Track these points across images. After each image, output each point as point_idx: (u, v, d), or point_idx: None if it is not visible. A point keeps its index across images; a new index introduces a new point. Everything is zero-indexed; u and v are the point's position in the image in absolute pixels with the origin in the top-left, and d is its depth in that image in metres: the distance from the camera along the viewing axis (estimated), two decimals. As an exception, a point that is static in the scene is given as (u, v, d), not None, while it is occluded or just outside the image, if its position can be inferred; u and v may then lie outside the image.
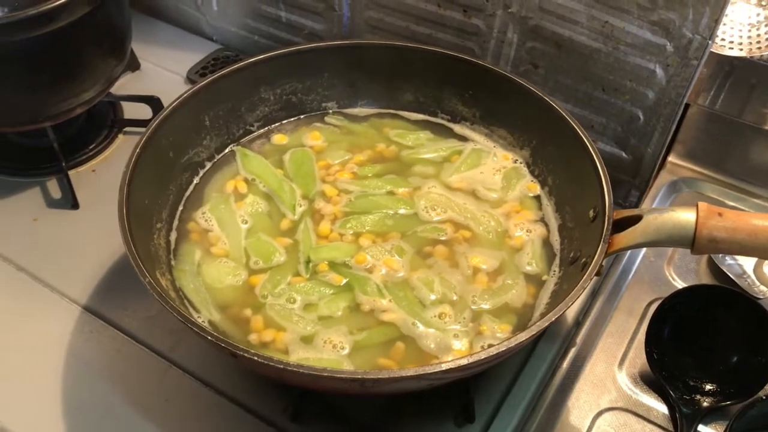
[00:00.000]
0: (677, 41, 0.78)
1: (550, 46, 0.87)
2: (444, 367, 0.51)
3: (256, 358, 0.52)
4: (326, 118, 0.84)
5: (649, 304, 0.82)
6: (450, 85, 0.83)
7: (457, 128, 0.84)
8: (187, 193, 0.75)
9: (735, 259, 0.86)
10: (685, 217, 0.60)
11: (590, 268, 0.59)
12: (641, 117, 0.85)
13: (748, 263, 0.85)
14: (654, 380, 0.74)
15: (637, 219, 0.62)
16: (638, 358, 0.76)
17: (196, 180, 0.77)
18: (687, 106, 0.99)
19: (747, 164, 0.99)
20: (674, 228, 0.60)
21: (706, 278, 0.86)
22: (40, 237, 0.83)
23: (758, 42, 0.88)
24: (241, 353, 0.53)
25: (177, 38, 1.11)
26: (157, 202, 0.71)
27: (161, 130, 0.70)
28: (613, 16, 0.80)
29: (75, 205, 0.86)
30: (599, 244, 0.61)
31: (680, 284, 0.85)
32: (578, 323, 0.79)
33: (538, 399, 0.71)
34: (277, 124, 0.83)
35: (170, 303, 0.55)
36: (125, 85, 1.02)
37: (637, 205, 0.92)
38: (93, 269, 0.79)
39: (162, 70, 1.05)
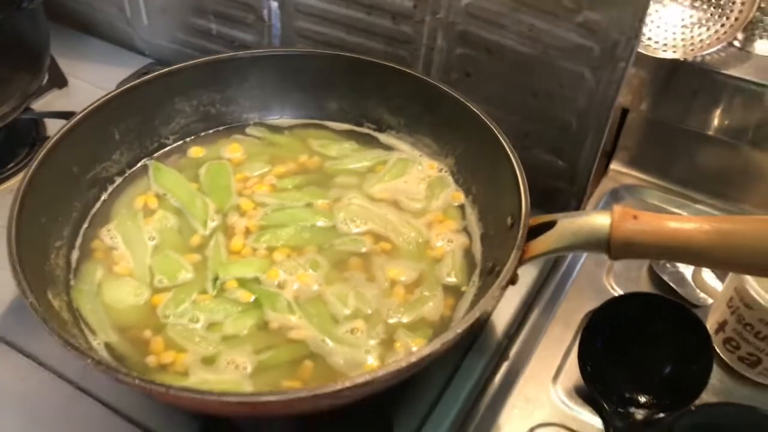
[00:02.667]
0: (603, 43, 0.76)
1: (480, 52, 0.84)
2: (333, 388, 0.47)
3: (137, 381, 0.48)
4: (247, 130, 0.81)
5: (587, 315, 0.79)
6: (375, 93, 0.80)
7: (383, 137, 0.81)
8: (94, 209, 0.72)
9: (675, 267, 0.83)
10: (599, 221, 0.57)
11: (501, 276, 0.57)
12: (574, 123, 0.83)
13: (687, 271, 0.83)
14: (588, 394, 0.71)
15: (552, 225, 0.59)
16: (573, 371, 0.73)
17: (104, 196, 0.73)
18: (626, 111, 0.97)
19: (691, 170, 0.98)
20: (589, 232, 0.57)
21: (646, 286, 0.84)
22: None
23: (692, 44, 0.86)
24: (123, 377, 0.49)
25: (107, 54, 1.08)
26: (57, 220, 0.67)
27: (62, 146, 0.67)
28: (538, 19, 0.78)
29: (-12, 226, 0.82)
30: (512, 250, 0.59)
31: (619, 293, 0.82)
32: (510, 336, 0.76)
33: (466, 417, 0.68)
34: (194, 137, 0.80)
35: (49, 324, 0.51)
36: (51, 102, 0.99)
37: (576, 213, 0.89)
38: (3, 293, 0.75)
39: (90, 86, 1.02)
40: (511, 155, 0.67)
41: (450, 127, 0.76)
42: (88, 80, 1.03)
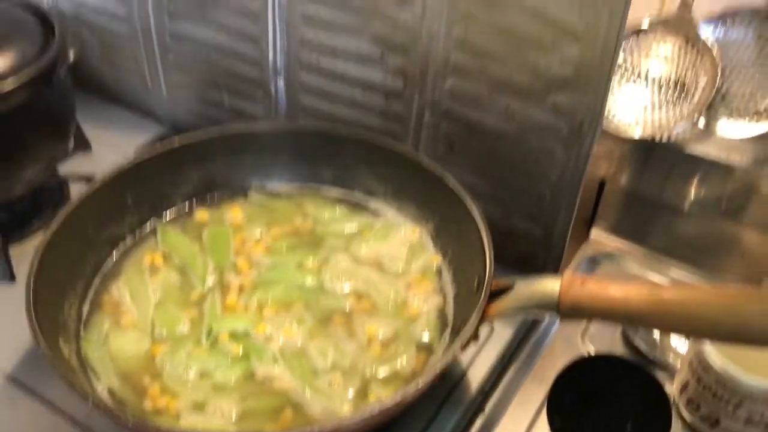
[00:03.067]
0: (571, 123, 0.83)
1: (462, 129, 0.92)
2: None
3: (132, 422, 0.55)
4: (249, 195, 0.89)
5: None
6: (365, 163, 0.88)
7: (371, 203, 0.89)
8: (105, 267, 0.80)
9: (646, 330, 0.88)
10: (551, 285, 0.63)
11: (462, 333, 0.63)
12: (548, 194, 0.90)
13: (657, 334, 0.88)
14: (557, 449, 0.75)
15: (510, 287, 0.66)
16: (545, 426, 0.78)
17: (115, 254, 0.81)
18: (603, 183, 1.04)
19: (667, 239, 1.03)
20: (541, 295, 0.63)
21: (619, 348, 0.89)
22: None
23: (659, 123, 0.94)
24: (119, 418, 0.56)
25: (129, 121, 1.17)
26: (73, 276, 0.75)
27: (80, 209, 0.75)
28: (513, 100, 0.86)
29: (11, 278, 0.90)
30: (474, 311, 0.65)
31: (591, 350, 0.87)
32: (486, 391, 0.81)
33: (441, 468, 0.73)
34: (200, 200, 0.88)
35: (58, 369, 0.59)
36: (75, 165, 1.08)
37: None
38: (21, 340, 0.83)
39: (112, 151, 1.11)
40: (479, 223, 0.73)
41: (430, 195, 0.83)
42: (111, 145, 1.12)
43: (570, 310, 0.62)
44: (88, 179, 1.01)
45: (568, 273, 0.63)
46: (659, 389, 0.74)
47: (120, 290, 0.77)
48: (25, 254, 0.93)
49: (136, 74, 1.15)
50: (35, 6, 0.94)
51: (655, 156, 1.00)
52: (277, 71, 1.02)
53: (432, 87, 0.91)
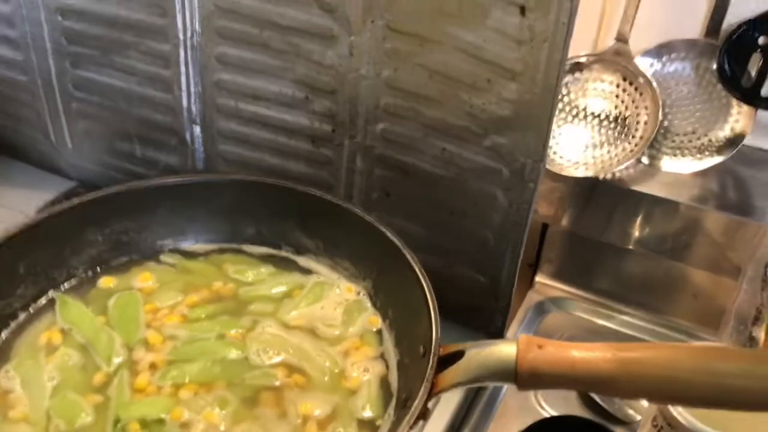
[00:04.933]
0: (512, 165, 0.77)
1: (397, 174, 0.86)
2: None
3: None
4: (161, 257, 0.80)
5: (518, 435, 0.77)
6: (292, 216, 0.80)
7: (302, 260, 0.80)
8: (-7, 350, 0.69)
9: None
10: (506, 351, 0.56)
11: (410, 413, 0.55)
12: (491, 239, 0.84)
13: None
14: None
15: (460, 355, 0.58)
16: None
17: (4, 334, 0.70)
18: (546, 226, 0.99)
19: (614, 281, 0.99)
20: (496, 363, 0.56)
21: (575, 404, 0.83)
22: None
23: (602, 162, 0.89)
24: None
25: (31, 177, 1.07)
26: (-51, 363, 0.64)
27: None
28: (450, 143, 0.80)
29: None
30: (422, 384, 0.57)
31: (549, 413, 0.81)
32: (436, 465, 0.73)
33: None
34: (104, 266, 0.78)
35: None
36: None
37: (502, 330, 0.89)
38: None
39: (8, 210, 1.00)
40: (422, 278, 0.66)
41: (367, 250, 0.75)
42: (10, 205, 1.01)
43: (529, 379, 0.55)
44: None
45: (523, 337, 0.56)
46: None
47: (10, 377, 0.66)
48: None
49: (36, 126, 1.05)
50: None
51: (598, 195, 0.96)
52: (192, 117, 0.93)
53: (363, 131, 0.84)
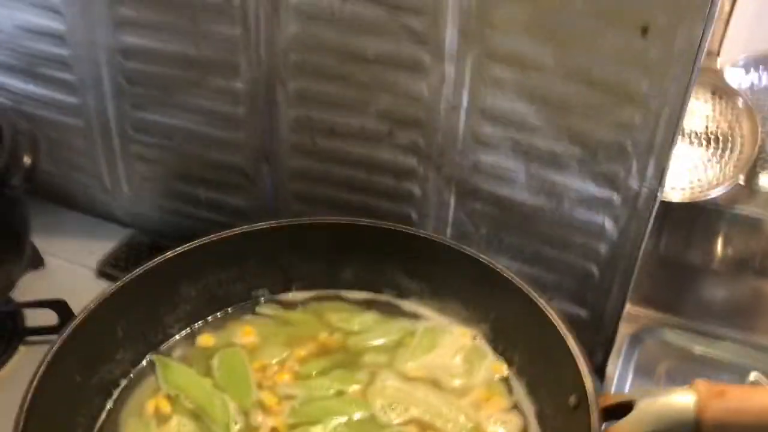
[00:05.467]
0: (624, 193, 0.74)
1: (490, 206, 0.82)
2: None
3: None
4: (257, 309, 0.75)
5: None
6: (392, 258, 0.75)
7: (406, 305, 0.76)
8: (99, 422, 0.63)
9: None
10: (683, 400, 0.52)
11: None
12: (596, 272, 0.80)
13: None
14: None
15: (628, 406, 0.54)
16: None
17: (108, 404, 0.65)
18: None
19: (702, 305, 0.96)
20: (674, 415, 0.52)
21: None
22: None
23: (700, 185, 0.86)
24: None
25: (86, 227, 1.01)
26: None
27: (64, 352, 0.59)
28: (553, 172, 0.76)
29: (-36, 443, 0.72)
30: (591, 440, 0.53)
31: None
32: None
33: None
34: (200, 323, 0.73)
35: None
36: (27, 286, 0.90)
37: (603, 364, 0.85)
38: None
39: (69, 264, 0.95)
40: (556, 321, 0.62)
41: (480, 291, 0.71)
42: (66, 257, 0.96)
43: (712, 431, 0.50)
44: (49, 304, 0.84)
45: (702, 384, 0.52)
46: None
47: (123, 452, 0.61)
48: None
49: (90, 172, 1.00)
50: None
51: (676, 217, 0.93)
52: (264, 156, 0.89)
53: (452, 163, 0.80)
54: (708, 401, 0.51)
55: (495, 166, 0.78)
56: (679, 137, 0.69)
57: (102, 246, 0.98)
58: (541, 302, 0.64)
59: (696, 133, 0.87)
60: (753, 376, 0.50)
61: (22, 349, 0.83)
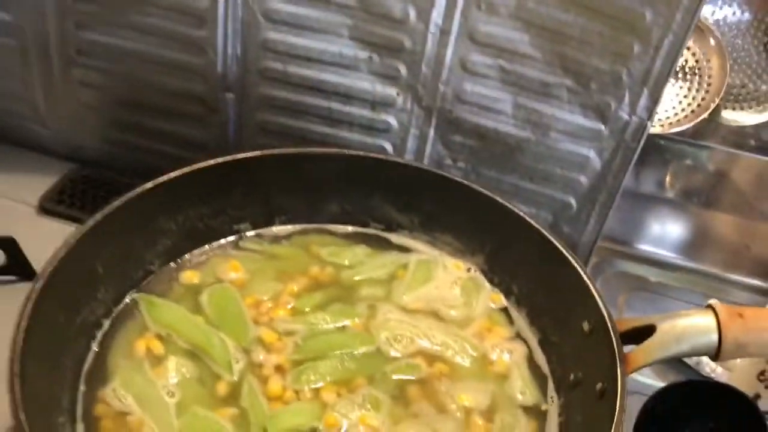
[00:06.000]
0: (613, 124, 0.74)
1: (472, 138, 0.80)
2: None
3: None
4: (241, 243, 0.71)
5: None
6: (379, 190, 0.73)
7: (395, 238, 0.74)
8: (86, 365, 0.58)
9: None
10: (704, 322, 0.53)
11: (619, 397, 0.51)
12: (574, 204, 0.81)
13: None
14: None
15: (649, 330, 0.55)
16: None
17: (94, 347, 0.60)
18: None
19: (657, 236, 0.99)
20: (695, 336, 0.53)
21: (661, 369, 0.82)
22: None
23: (668, 118, 0.88)
24: None
25: (21, 160, 0.92)
26: (53, 390, 0.53)
27: (48, 293, 0.53)
28: (541, 103, 0.75)
29: None
30: (614, 365, 0.53)
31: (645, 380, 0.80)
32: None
33: None
34: (182, 258, 0.68)
35: None
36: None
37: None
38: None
39: (8, 201, 0.86)
40: (566, 254, 0.62)
41: (474, 223, 0.70)
42: (10, 195, 0.87)
43: (734, 351, 0.52)
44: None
45: (720, 305, 0.53)
46: (753, 408, 0.67)
47: (119, 396, 0.56)
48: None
49: (25, 101, 0.90)
50: None
51: (650, 151, 0.94)
52: (226, 83, 0.83)
53: (434, 93, 0.78)
54: (728, 322, 0.52)
55: (481, 96, 0.77)
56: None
57: (41, 181, 0.89)
58: (546, 232, 0.63)
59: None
60: (712, 302, 0.52)
61: (-34, 294, 0.75)
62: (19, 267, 0.75)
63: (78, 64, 0.86)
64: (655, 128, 0.88)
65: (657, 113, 0.70)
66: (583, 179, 0.78)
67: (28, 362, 0.48)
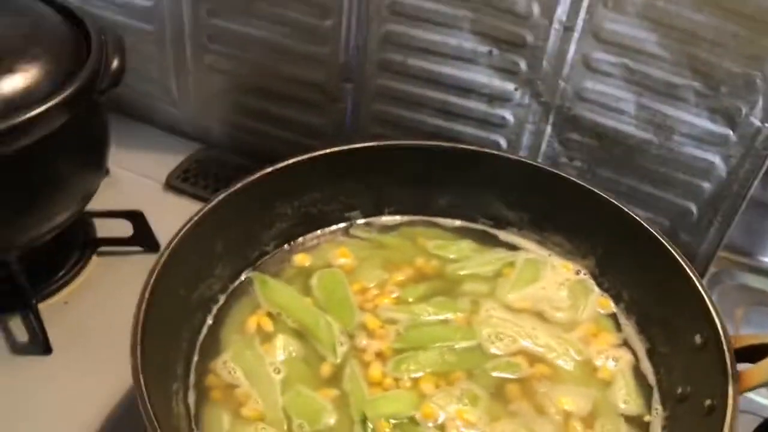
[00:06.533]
0: (742, 130, 0.70)
1: (590, 137, 0.78)
2: None
3: None
4: (351, 231, 0.73)
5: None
6: (490, 185, 0.72)
7: (503, 235, 0.73)
8: (201, 337, 0.62)
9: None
10: (830, 344, 0.50)
11: (729, 417, 0.49)
12: (695, 212, 0.77)
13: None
14: None
15: (762, 349, 0.52)
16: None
17: (209, 320, 0.63)
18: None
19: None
20: (818, 359, 0.50)
21: None
22: (4, 393, 0.67)
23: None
24: None
25: (151, 138, 0.98)
26: (170, 358, 0.57)
27: (170, 266, 0.57)
28: (665, 105, 0.73)
29: (47, 350, 0.71)
30: (726, 381, 0.51)
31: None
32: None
33: None
34: (295, 242, 0.71)
35: None
36: (95, 196, 0.88)
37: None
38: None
39: (137, 176, 0.92)
40: (681, 262, 0.60)
41: (587, 224, 0.69)
42: (133, 169, 0.93)
43: None
44: (125, 215, 0.81)
45: None
46: None
47: (229, 369, 0.59)
48: (54, 315, 0.74)
49: (159, 83, 0.96)
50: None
51: None
52: (348, 73, 0.85)
53: (554, 89, 0.76)
54: None
55: (602, 94, 0.75)
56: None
57: (170, 159, 0.95)
58: (663, 239, 0.61)
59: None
60: None
61: (95, 259, 0.82)
62: (144, 239, 0.80)
63: (209, 50, 0.90)
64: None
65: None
66: (707, 186, 0.75)
67: (148, 331, 0.52)
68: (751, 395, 0.76)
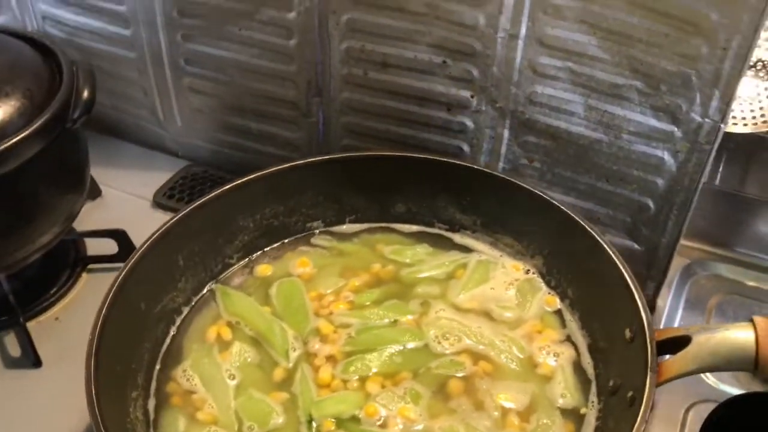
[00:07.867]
0: (685, 126, 0.72)
1: (545, 139, 0.81)
2: None
3: None
4: (312, 240, 0.76)
5: (687, 409, 0.74)
6: (444, 191, 0.75)
7: (458, 238, 0.76)
8: (164, 347, 0.66)
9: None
10: (741, 336, 0.52)
11: (643, 406, 0.51)
12: (652, 206, 0.79)
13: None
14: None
15: (685, 340, 0.54)
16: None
17: (172, 330, 0.68)
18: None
19: (758, 239, 0.94)
20: (731, 350, 0.52)
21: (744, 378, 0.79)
22: (-2, 404, 0.72)
23: (763, 116, 0.83)
24: None
25: (140, 158, 1.03)
26: (131, 367, 0.61)
27: (129, 282, 0.61)
28: (612, 105, 0.75)
29: (37, 363, 0.76)
30: (646, 373, 0.53)
31: (718, 384, 0.77)
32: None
33: None
34: (258, 253, 0.75)
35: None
36: (87, 216, 0.93)
37: (654, 298, 0.84)
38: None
39: (126, 195, 0.97)
40: (616, 260, 0.62)
41: (533, 225, 0.71)
42: (123, 188, 0.98)
43: (772, 366, 0.50)
44: (110, 234, 0.86)
45: (761, 320, 0.52)
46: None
47: (188, 376, 0.63)
48: (45, 330, 0.79)
49: (143, 105, 1.01)
50: (28, 34, 0.79)
51: (734, 149, 0.90)
52: (316, 89, 0.88)
53: (508, 95, 0.79)
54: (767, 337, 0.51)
55: (552, 97, 0.77)
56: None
57: (156, 177, 0.99)
58: (600, 238, 0.63)
59: (762, 62, 0.84)
60: (754, 317, 0.50)
61: (84, 276, 0.87)
62: (129, 256, 0.85)
63: (187, 72, 0.95)
64: (747, 126, 0.83)
65: (730, 114, 0.67)
66: (660, 181, 0.77)
67: (104, 344, 0.56)
68: (713, 383, 0.78)
